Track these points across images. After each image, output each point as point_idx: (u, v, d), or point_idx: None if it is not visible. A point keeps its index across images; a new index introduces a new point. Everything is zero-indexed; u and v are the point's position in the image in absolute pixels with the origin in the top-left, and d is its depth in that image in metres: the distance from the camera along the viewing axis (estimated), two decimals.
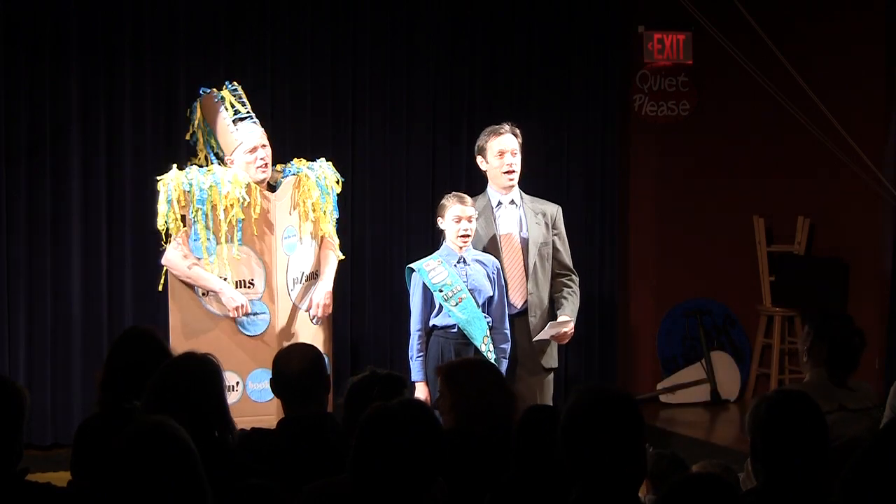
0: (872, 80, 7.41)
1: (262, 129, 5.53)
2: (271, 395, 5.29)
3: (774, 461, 3.02)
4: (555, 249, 5.70)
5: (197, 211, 5.27)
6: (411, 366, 5.43)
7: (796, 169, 7.85)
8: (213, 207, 5.27)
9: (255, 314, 5.37)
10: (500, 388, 3.91)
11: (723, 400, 8.05)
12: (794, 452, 3.00)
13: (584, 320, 6.10)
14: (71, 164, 6.67)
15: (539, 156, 7.35)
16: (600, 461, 2.79)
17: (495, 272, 5.46)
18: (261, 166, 5.42)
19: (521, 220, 5.66)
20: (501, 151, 5.61)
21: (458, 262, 5.41)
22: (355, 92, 7.20)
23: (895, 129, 7.29)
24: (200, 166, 5.54)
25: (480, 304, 5.39)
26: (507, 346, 5.46)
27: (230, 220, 5.28)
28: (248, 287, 5.37)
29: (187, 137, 5.73)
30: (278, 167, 5.62)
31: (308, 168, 5.56)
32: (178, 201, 5.28)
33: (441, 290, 5.34)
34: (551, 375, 5.68)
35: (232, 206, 5.27)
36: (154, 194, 5.40)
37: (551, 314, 5.62)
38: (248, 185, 5.33)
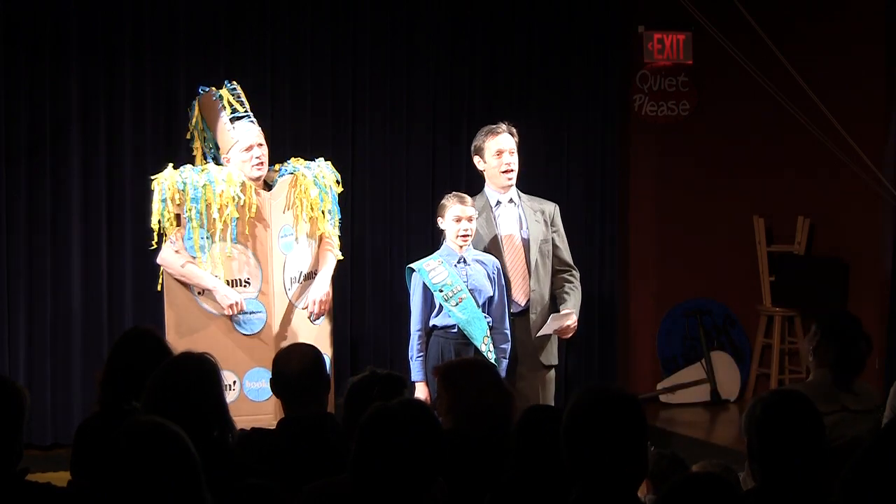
0: (872, 80, 7.40)
1: (259, 129, 5.54)
2: (268, 395, 5.32)
3: (771, 462, 3.02)
4: (554, 247, 5.71)
5: (191, 210, 5.27)
6: (411, 366, 5.43)
7: (796, 169, 7.85)
8: (208, 206, 5.27)
9: (250, 313, 5.37)
10: (498, 388, 3.90)
11: (723, 400, 8.05)
12: (790, 453, 3.00)
13: (585, 320, 6.10)
14: (71, 164, 6.67)
15: (539, 156, 7.35)
16: (601, 461, 2.79)
17: (495, 272, 5.46)
18: (256, 165, 5.42)
19: (520, 218, 5.67)
20: (500, 151, 5.62)
21: (459, 262, 5.41)
22: (355, 92, 7.20)
23: (895, 129, 7.29)
24: (196, 165, 5.55)
25: (480, 304, 5.39)
26: (508, 346, 5.47)
27: (224, 219, 5.28)
28: (244, 286, 5.37)
29: (188, 137, 5.73)
30: (276, 167, 5.62)
31: (305, 167, 5.56)
32: (173, 200, 5.29)
33: (441, 290, 5.34)
34: (553, 372, 5.69)
35: (226, 204, 5.27)
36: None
37: (553, 310, 5.63)
38: (243, 184, 5.34)
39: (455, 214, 5.40)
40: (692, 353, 8.15)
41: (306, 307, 5.46)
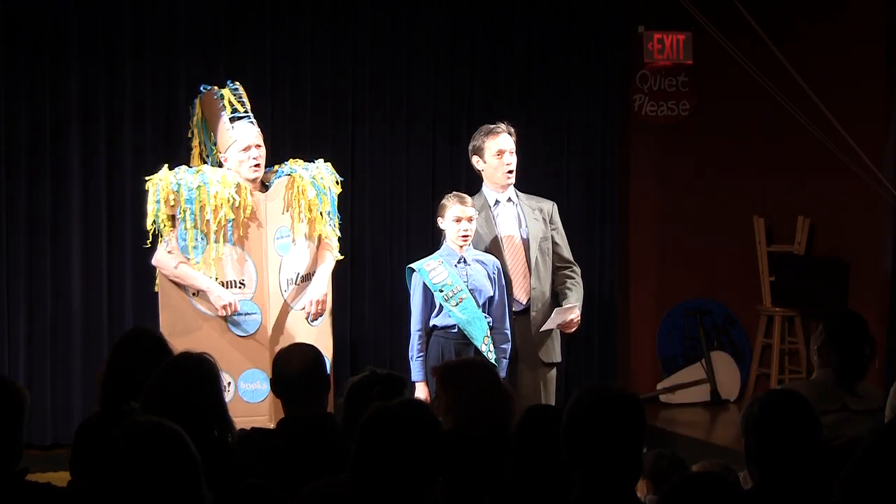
0: (872, 80, 7.40)
1: (259, 130, 5.53)
2: (264, 396, 5.33)
3: (769, 462, 3.02)
4: (554, 244, 5.73)
5: (185, 211, 5.27)
6: (411, 366, 5.43)
7: (796, 169, 7.85)
8: (202, 207, 5.27)
9: (245, 314, 5.37)
10: (497, 388, 3.90)
11: (723, 400, 8.05)
12: (788, 452, 3.00)
13: (585, 320, 6.09)
14: (71, 164, 6.67)
15: (539, 156, 7.36)
16: (601, 460, 2.79)
17: (495, 272, 5.46)
18: (253, 166, 5.41)
19: (519, 217, 5.68)
20: (500, 151, 5.63)
21: (459, 262, 5.41)
22: (355, 92, 7.20)
23: (895, 129, 7.29)
24: (196, 165, 5.55)
25: (481, 304, 5.39)
26: (508, 347, 5.47)
27: (219, 221, 5.28)
28: (239, 287, 5.37)
29: (189, 135, 5.73)
30: (274, 168, 5.62)
31: (303, 168, 5.55)
32: (167, 201, 5.29)
33: (441, 290, 5.34)
34: (554, 371, 5.70)
35: (220, 206, 5.27)
36: None
37: (554, 307, 5.64)
38: (238, 185, 5.33)
39: (455, 215, 5.40)
40: (692, 353, 8.15)
41: (304, 308, 5.45)
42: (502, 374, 5.29)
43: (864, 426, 4.11)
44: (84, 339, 6.69)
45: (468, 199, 5.46)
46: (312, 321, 5.48)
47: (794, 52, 6.56)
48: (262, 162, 5.48)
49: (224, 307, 5.29)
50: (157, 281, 5.51)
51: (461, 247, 5.42)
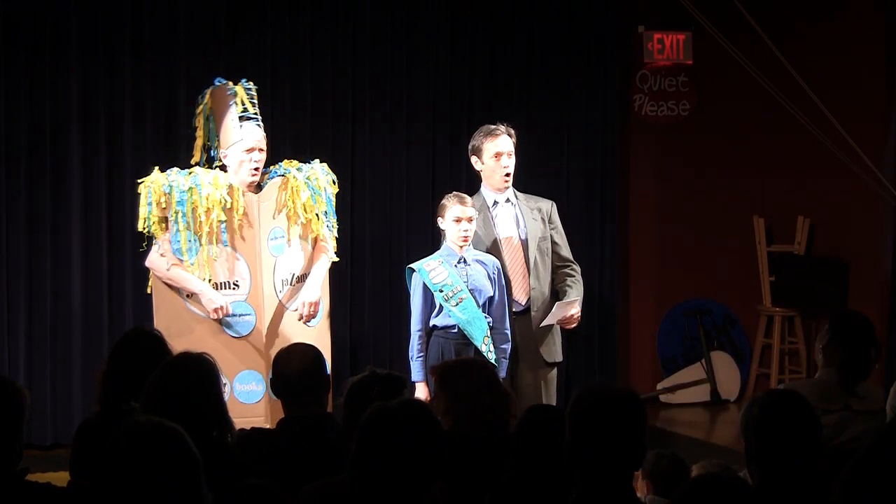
0: (872, 80, 7.40)
1: (264, 134, 5.53)
2: (259, 397, 5.33)
3: (769, 462, 3.02)
4: (553, 244, 5.73)
5: (177, 213, 5.27)
6: (411, 366, 5.43)
7: (796, 169, 7.85)
8: (194, 209, 5.26)
9: (239, 315, 5.36)
10: (495, 388, 3.90)
11: (723, 400, 8.05)
12: (789, 452, 3.00)
13: (585, 320, 6.10)
14: (71, 164, 6.67)
15: (539, 156, 7.36)
16: (602, 459, 2.79)
17: (495, 272, 5.47)
18: (252, 169, 5.40)
19: (517, 218, 5.68)
20: (498, 153, 5.63)
21: (459, 263, 5.41)
22: (355, 92, 7.20)
23: (895, 129, 7.29)
24: (197, 156, 5.54)
25: (481, 304, 5.39)
26: (508, 347, 5.47)
27: (211, 222, 5.27)
28: (233, 288, 5.36)
29: (195, 125, 5.69)
30: (269, 169, 5.61)
31: (297, 170, 5.54)
32: (159, 203, 5.29)
33: (441, 291, 5.35)
34: (555, 371, 5.70)
35: (212, 207, 5.27)
36: None
37: (553, 306, 5.63)
38: (230, 187, 5.33)
39: (455, 215, 5.40)
40: (692, 353, 8.15)
41: (296, 310, 5.44)
42: (502, 374, 5.29)
43: (866, 426, 4.12)
44: (84, 339, 6.69)
45: (468, 199, 5.46)
46: (305, 322, 5.46)
47: (794, 52, 6.55)
48: (261, 167, 5.47)
49: (215, 310, 5.28)
50: (150, 283, 5.51)
51: (461, 247, 5.43)
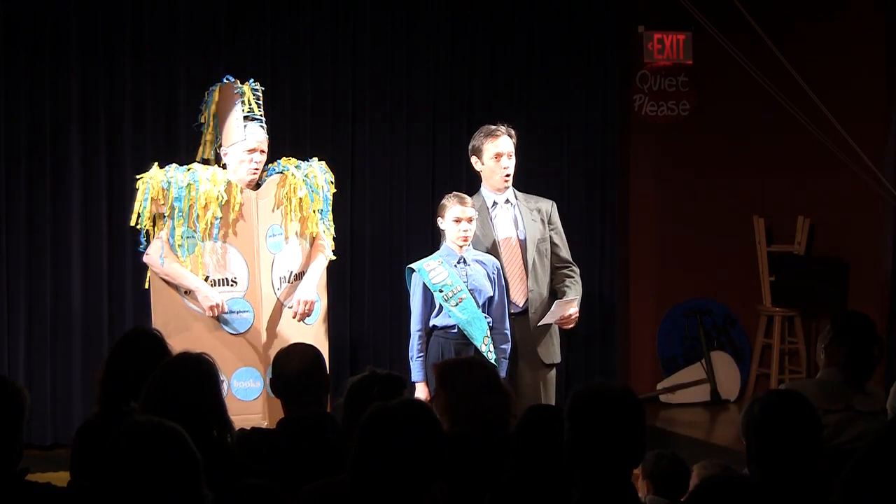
0: (872, 80, 7.40)
1: (267, 136, 5.53)
2: (256, 394, 5.33)
3: (770, 462, 3.02)
4: (553, 245, 5.72)
5: (174, 209, 5.27)
6: (411, 366, 5.43)
7: (796, 169, 7.85)
8: (191, 206, 5.27)
9: (237, 312, 5.37)
10: (495, 388, 3.90)
11: (723, 400, 8.05)
12: (789, 453, 3.00)
13: (585, 320, 6.11)
14: (71, 164, 6.67)
15: (539, 156, 7.36)
16: (600, 459, 2.79)
17: (495, 272, 5.46)
18: (252, 169, 5.41)
19: (516, 219, 5.67)
20: (498, 154, 5.62)
21: (459, 263, 5.41)
22: (355, 92, 7.20)
23: (895, 129, 7.29)
24: (207, 155, 5.54)
25: (480, 304, 5.39)
26: (508, 347, 5.47)
27: (208, 219, 5.27)
28: (231, 285, 5.37)
29: (201, 120, 5.68)
30: (268, 166, 5.61)
31: (295, 167, 5.55)
32: (156, 199, 5.29)
33: (441, 291, 5.34)
34: (553, 371, 5.70)
35: (209, 204, 5.27)
36: None
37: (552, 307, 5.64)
38: (228, 183, 5.34)
39: (455, 215, 5.40)
40: (692, 353, 8.15)
41: (291, 307, 5.45)
42: (502, 374, 5.29)
43: (867, 426, 4.12)
44: (84, 339, 6.69)
45: (468, 199, 5.46)
46: (299, 320, 5.46)
47: (794, 52, 6.56)
48: (261, 168, 5.47)
49: (211, 307, 5.29)
50: (149, 279, 5.52)
51: (461, 247, 5.42)
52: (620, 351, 7.99)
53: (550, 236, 5.72)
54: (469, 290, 5.35)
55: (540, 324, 5.58)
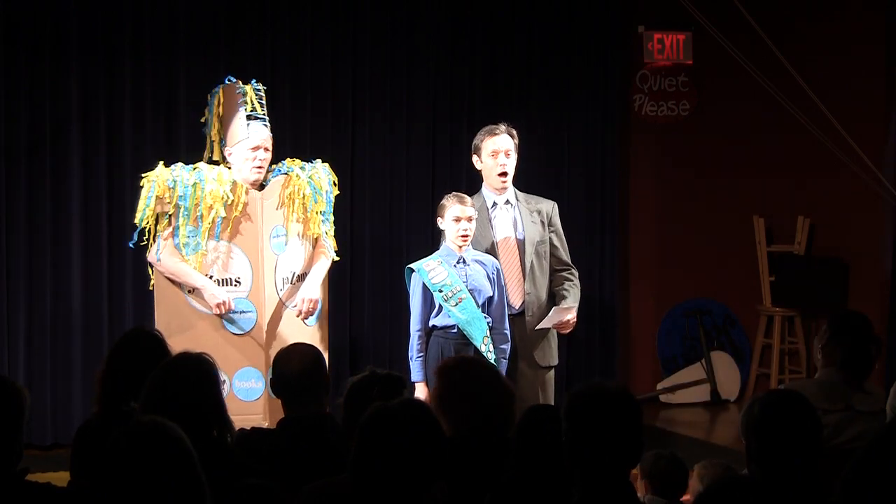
0: (872, 80, 7.41)
1: (270, 135, 5.53)
2: (258, 394, 5.33)
3: (770, 462, 3.02)
4: (552, 246, 5.71)
5: (179, 208, 5.28)
6: (411, 366, 5.43)
7: (796, 169, 7.85)
8: (197, 205, 5.27)
9: (241, 312, 5.37)
10: (497, 388, 3.90)
11: (723, 400, 8.05)
12: (789, 453, 3.00)
13: (585, 320, 6.10)
14: (71, 164, 6.67)
15: (539, 156, 7.35)
16: (599, 459, 2.79)
17: (495, 272, 5.46)
18: (256, 167, 5.42)
19: (515, 220, 5.66)
20: (495, 151, 5.61)
21: (458, 263, 5.41)
22: (355, 92, 7.20)
23: (895, 129, 7.29)
24: (216, 157, 5.54)
25: (480, 304, 5.39)
26: (507, 347, 5.47)
27: (213, 218, 5.28)
28: (235, 285, 5.37)
29: (202, 120, 5.67)
30: (272, 167, 5.61)
31: (300, 168, 5.56)
32: (162, 198, 5.30)
33: (441, 291, 5.34)
34: (552, 373, 5.69)
35: (215, 203, 5.27)
36: None
37: (550, 310, 5.63)
38: (234, 183, 5.34)
39: (455, 215, 5.40)
40: (692, 353, 8.15)
41: (295, 306, 5.45)
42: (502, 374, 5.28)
43: (866, 426, 4.12)
44: (84, 339, 6.69)
45: (468, 199, 5.45)
46: (303, 319, 5.46)
47: (794, 52, 6.56)
48: (265, 167, 5.48)
49: (218, 305, 5.30)
50: (153, 278, 5.52)
51: (460, 247, 5.42)
52: (620, 351, 7.99)
53: (550, 238, 5.71)
54: (469, 290, 5.35)
55: (537, 328, 5.57)
